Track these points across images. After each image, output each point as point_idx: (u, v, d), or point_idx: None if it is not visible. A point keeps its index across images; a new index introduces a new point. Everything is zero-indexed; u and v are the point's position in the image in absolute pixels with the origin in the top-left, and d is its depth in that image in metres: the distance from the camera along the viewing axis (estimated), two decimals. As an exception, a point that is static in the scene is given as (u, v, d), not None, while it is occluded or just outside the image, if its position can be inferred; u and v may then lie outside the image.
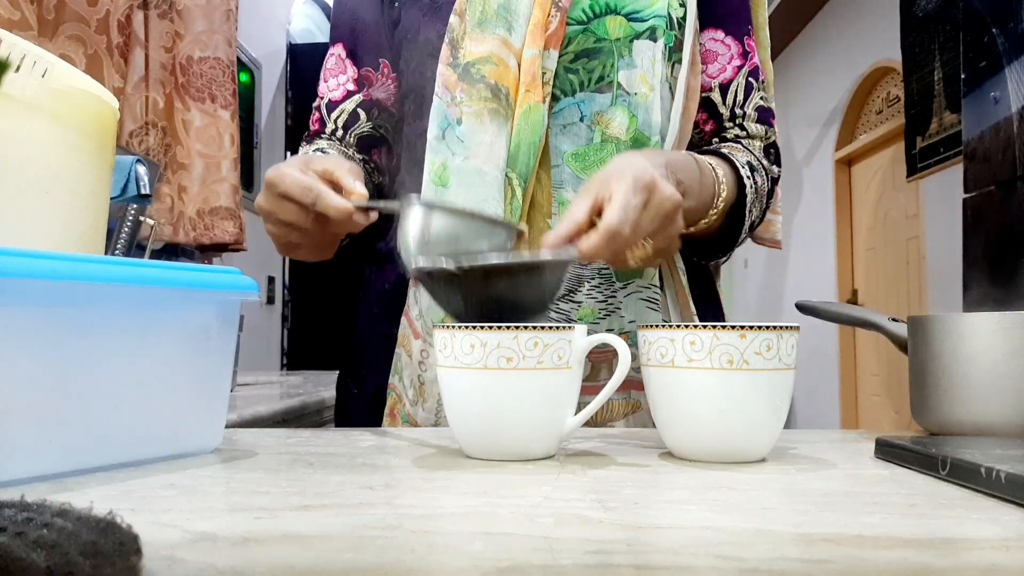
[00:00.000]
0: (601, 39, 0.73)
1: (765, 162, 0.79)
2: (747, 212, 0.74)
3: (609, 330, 0.70)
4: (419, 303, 0.72)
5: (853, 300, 4.39)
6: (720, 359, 0.46)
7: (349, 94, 0.84)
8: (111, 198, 0.61)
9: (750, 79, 0.81)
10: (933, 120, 3.23)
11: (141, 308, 0.45)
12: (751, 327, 0.46)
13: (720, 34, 0.80)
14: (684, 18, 0.75)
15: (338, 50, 0.85)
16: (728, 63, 0.80)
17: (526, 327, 0.46)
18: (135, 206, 0.96)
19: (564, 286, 0.71)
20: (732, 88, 0.80)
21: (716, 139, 0.81)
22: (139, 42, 1.76)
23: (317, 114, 0.86)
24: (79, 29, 1.55)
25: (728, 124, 0.81)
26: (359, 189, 0.62)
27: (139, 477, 0.42)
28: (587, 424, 0.70)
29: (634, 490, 0.39)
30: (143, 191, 0.95)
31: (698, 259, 0.80)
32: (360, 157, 0.83)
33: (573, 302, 0.72)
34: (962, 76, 2.07)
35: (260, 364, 2.62)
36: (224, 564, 0.27)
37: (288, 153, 2.99)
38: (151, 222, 1.00)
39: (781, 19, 4.66)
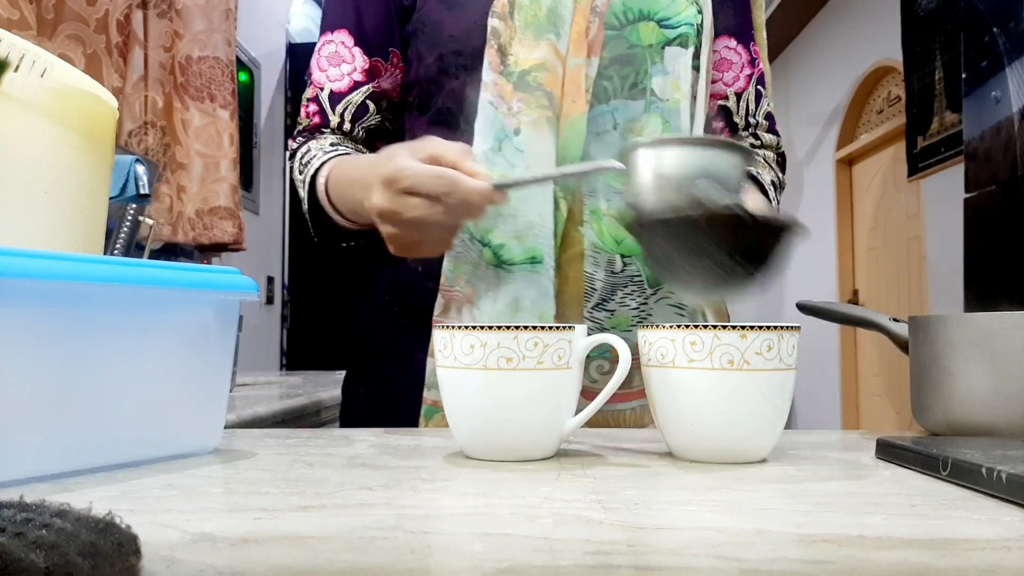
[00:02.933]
0: (634, 45, 0.73)
1: (780, 175, 0.82)
2: None
3: None
4: (472, 313, 0.70)
5: (854, 300, 4.39)
6: (721, 359, 0.46)
7: (356, 85, 0.79)
8: (110, 198, 0.61)
9: (759, 87, 0.82)
10: (934, 120, 3.23)
11: (140, 308, 0.45)
12: (752, 327, 0.45)
13: (732, 42, 0.81)
14: (702, 25, 0.76)
15: (341, 37, 0.80)
16: (740, 71, 0.81)
17: (526, 327, 0.46)
18: (134, 206, 0.96)
19: (598, 295, 0.71)
20: (745, 97, 0.82)
21: None
22: (138, 42, 1.76)
23: (315, 106, 0.80)
24: (78, 29, 1.55)
25: (743, 133, 0.82)
26: (481, 169, 0.59)
27: (138, 477, 0.42)
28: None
29: (634, 490, 0.39)
30: (142, 191, 0.95)
31: None
32: (365, 151, 0.81)
33: (606, 310, 0.71)
34: (963, 76, 2.07)
35: (259, 364, 2.62)
36: (223, 565, 0.27)
37: (287, 153, 2.99)
38: (150, 222, 1.00)
39: (781, 19, 4.66)
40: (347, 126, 0.80)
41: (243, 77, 2.53)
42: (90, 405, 0.42)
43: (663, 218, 0.52)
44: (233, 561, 0.27)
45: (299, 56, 3.00)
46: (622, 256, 0.71)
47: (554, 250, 0.69)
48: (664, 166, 0.55)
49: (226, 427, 0.54)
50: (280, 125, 2.94)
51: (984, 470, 0.38)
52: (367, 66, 0.80)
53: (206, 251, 2.03)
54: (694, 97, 0.75)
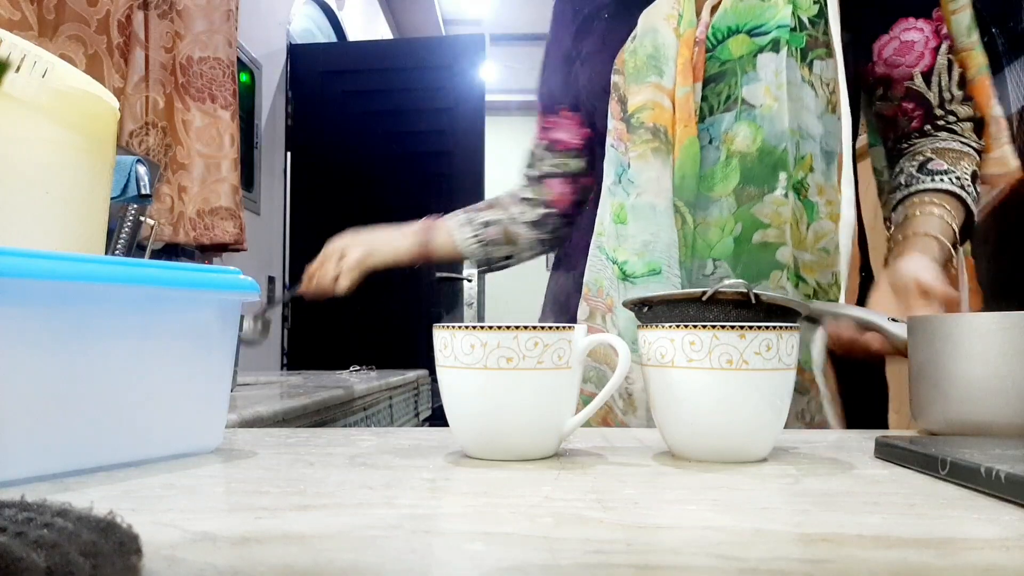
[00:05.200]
0: (725, 61, 0.77)
1: (979, 146, 0.82)
2: (974, 220, 0.79)
3: None
4: (611, 320, 0.81)
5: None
6: (720, 359, 0.46)
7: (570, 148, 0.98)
8: (111, 198, 0.61)
9: (949, 56, 0.81)
10: (933, 120, 3.22)
11: (141, 308, 0.45)
12: (750, 327, 0.46)
13: (911, 21, 0.80)
14: (819, 15, 0.76)
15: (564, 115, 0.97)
16: (925, 47, 0.80)
17: (526, 327, 0.46)
18: (135, 206, 0.96)
19: None
20: (936, 72, 0.80)
21: (927, 125, 0.82)
22: (139, 42, 1.76)
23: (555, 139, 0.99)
24: (79, 29, 1.55)
25: (939, 112, 0.82)
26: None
27: (139, 477, 0.42)
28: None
29: (634, 490, 0.39)
30: (143, 191, 0.95)
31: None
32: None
33: None
34: (962, 76, 2.07)
35: (260, 364, 2.62)
36: (224, 564, 0.27)
37: (288, 153, 2.99)
38: (151, 222, 1.00)
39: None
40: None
41: (244, 78, 2.53)
42: (91, 405, 0.42)
43: (669, 299, 0.55)
44: (234, 560, 0.27)
45: (300, 57, 3.01)
46: (713, 260, 0.77)
47: (678, 261, 0.77)
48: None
49: (227, 426, 0.54)
50: (281, 125, 2.94)
51: (983, 469, 0.38)
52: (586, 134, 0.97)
53: (207, 251, 2.03)
54: (827, 82, 0.76)
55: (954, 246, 0.75)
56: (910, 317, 0.61)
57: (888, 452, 0.48)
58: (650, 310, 0.57)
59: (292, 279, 2.96)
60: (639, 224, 0.79)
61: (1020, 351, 0.53)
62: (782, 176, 0.75)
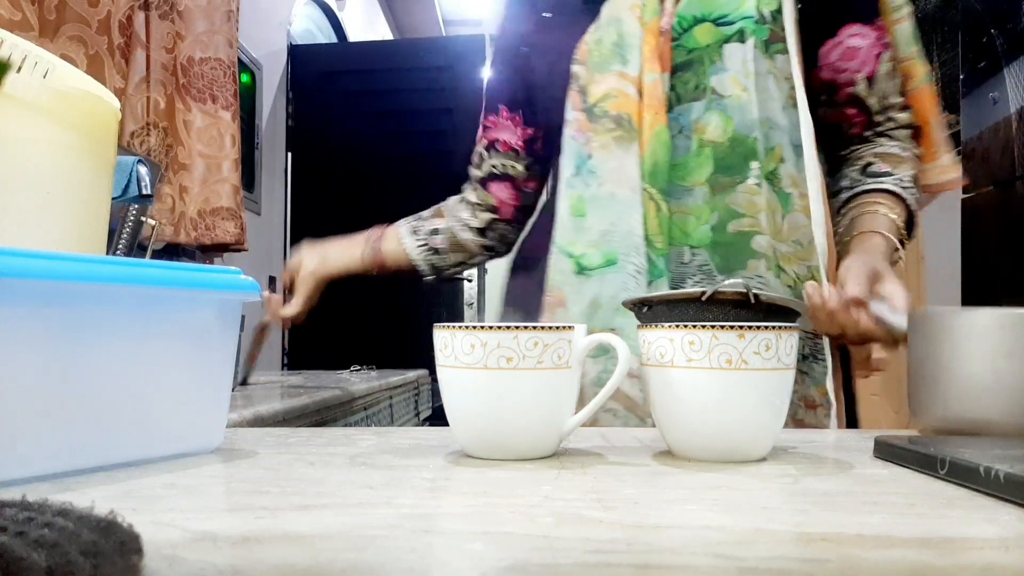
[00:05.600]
0: (692, 50, 0.77)
1: (915, 152, 0.83)
2: (915, 222, 0.81)
3: None
4: (563, 314, 0.79)
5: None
6: (719, 359, 0.46)
7: (516, 147, 0.95)
8: (112, 198, 0.61)
9: (891, 63, 0.82)
10: (933, 120, 3.22)
11: (142, 308, 0.45)
12: (750, 327, 0.46)
13: (856, 27, 0.81)
14: (778, 11, 0.77)
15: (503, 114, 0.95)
16: (868, 53, 0.81)
17: (526, 327, 0.46)
18: (136, 206, 0.96)
19: (669, 285, 0.78)
20: (878, 79, 0.82)
21: (868, 131, 0.83)
22: (140, 43, 1.76)
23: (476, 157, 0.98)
24: (80, 30, 1.55)
25: (878, 118, 0.83)
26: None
27: (140, 477, 0.42)
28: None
29: (634, 490, 0.39)
30: (144, 191, 0.95)
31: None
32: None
33: None
34: (961, 76, 2.07)
35: (261, 364, 2.61)
36: (225, 563, 0.27)
37: (289, 154, 2.99)
38: (152, 222, 1.00)
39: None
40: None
41: (245, 78, 2.53)
42: (92, 405, 0.43)
43: (668, 298, 0.55)
44: (234, 560, 0.27)
45: (300, 57, 3.01)
46: (691, 248, 0.77)
47: (641, 248, 0.76)
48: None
49: (228, 426, 0.54)
50: (282, 126, 2.94)
51: (982, 469, 0.38)
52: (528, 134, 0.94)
53: (208, 251, 2.03)
54: (787, 78, 0.77)
55: (901, 243, 0.77)
56: (910, 312, 0.61)
57: (888, 452, 0.48)
58: (650, 310, 0.58)
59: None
60: (597, 214, 0.78)
61: (1018, 349, 0.53)
62: (754, 165, 0.76)
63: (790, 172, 0.77)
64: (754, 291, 0.54)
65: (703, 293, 0.54)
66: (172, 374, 0.47)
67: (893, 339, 0.65)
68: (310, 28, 3.33)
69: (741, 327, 0.46)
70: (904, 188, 0.79)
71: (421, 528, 0.32)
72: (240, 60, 2.27)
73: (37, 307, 0.39)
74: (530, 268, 0.89)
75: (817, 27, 0.80)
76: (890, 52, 0.82)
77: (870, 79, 0.81)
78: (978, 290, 2.00)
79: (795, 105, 0.77)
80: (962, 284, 2.06)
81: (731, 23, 0.76)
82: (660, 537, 0.31)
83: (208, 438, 0.51)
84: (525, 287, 0.89)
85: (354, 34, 3.68)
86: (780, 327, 0.46)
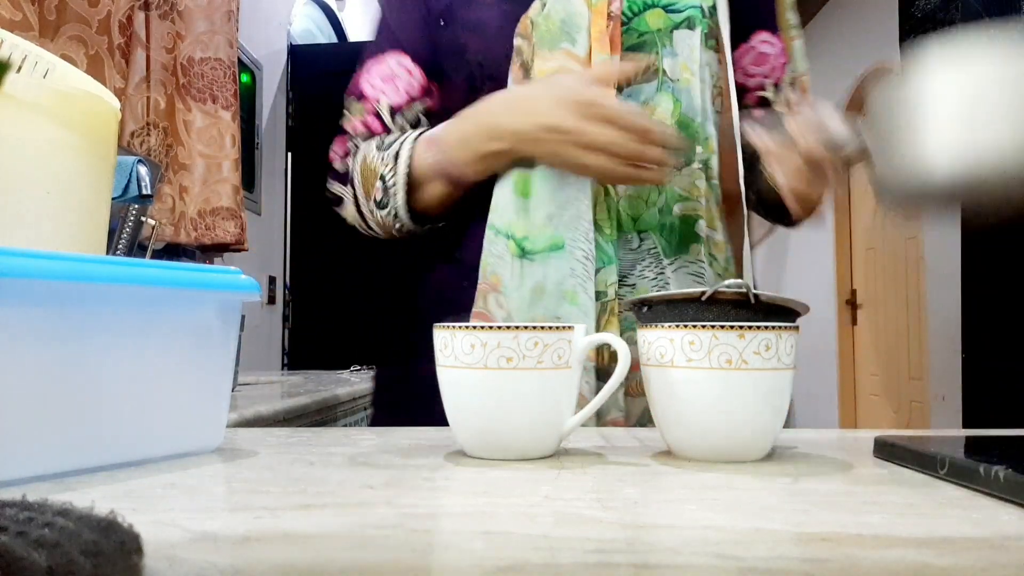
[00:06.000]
0: (643, 33, 0.77)
1: None
2: None
3: None
4: (498, 300, 0.74)
5: (852, 300, 4.39)
6: (719, 359, 0.46)
7: (412, 100, 0.84)
8: (112, 198, 0.61)
9: (792, 73, 0.85)
10: (933, 120, 3.22)
11: (142, 308, 0.45)
12: (750, 327, 0.46)
13: (766, 34, 0.84)
14: (714, 7, 0.79)
15: (395, 57, 0.84)
16: (776, 61, 0.85)
17: (526, 327, 0.46)
18: (136, 206, 0.96)
19: (618, 272, 0.76)
20: (784, 86, 0.85)
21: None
22: (140, 43, 1.76)
23: (375, 120, 0.84)
24: (80, 30, 1.55)
25: None
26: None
27: (140, 476, 0.42)
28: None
29: (634, 490, 0.39)
30: (144, 191, 0.95)
31: (774, 221, 0.86)
32: None
33: (627, 285, 0.76)
34: (962, 76, 2.07)
35: (261, 364, 2.62)
36: (225, 563, 0.27)
37: (289, 154, 2.99)
38: (152, 222, 1.00)
39: (781, 19, 4.65)
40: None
41: (245, 78, 2.53)
42: (92, 404, 0.43)
43: (668, 298, 0.55)
44: (235, 560, 0.27)
45: (301, 57, 3.01)
46: (639, 232, 0.76)
47: (589, 233, 0.74)
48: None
49: (228, 426, 0.54)
50: (282, 126, 2.94)
51: (982, 469, 0.38)
52: (424, 83, 0.84)
53: (208, 251, 2.03)
54: (713, 75, 0.79)
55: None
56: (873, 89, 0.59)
57: (887, 451, 0.48)
58: (650, 310, 0.58)
59: (293, 279, 2.97)
60: (544, 196, 0.75)
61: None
62: (698, 149, 0.76)
63: (717, 164, 0.78)
64: (754, 292, 0.54)
65: (703, 293, 0.54)
66: (172, 374, 0.47)
67: (846, 160, 0.64)
68: (310, 28, 3.33)
69: (741, 327, 0.46)
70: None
71: (422, 527, 0.32)
72: (240, 60, 2.27)
73: (37, 307, 0.39)
74: (453, 258, 0.82)
75: (735, 30, 0.81)
76: (792, 65, 0.85)
77: (777, 86, 0.84)
78: (978, 290, 2.00)
79: (722, 101, 0.79)
80: (962, 284, 2.06)
81: (680, 11, 0.77)
82: (660, 537, 0.31)
83: (208, 438, 0.51)
84: (451, 279, 0.82)
85: (354, 34, 3.68)
86: (780, 327, 0.46)
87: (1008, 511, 0.34)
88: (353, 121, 0.85)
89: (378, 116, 0.84)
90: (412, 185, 0.79)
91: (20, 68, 0.50)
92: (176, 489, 0.39)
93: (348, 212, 0.86)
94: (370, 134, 0.84)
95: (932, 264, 3.37)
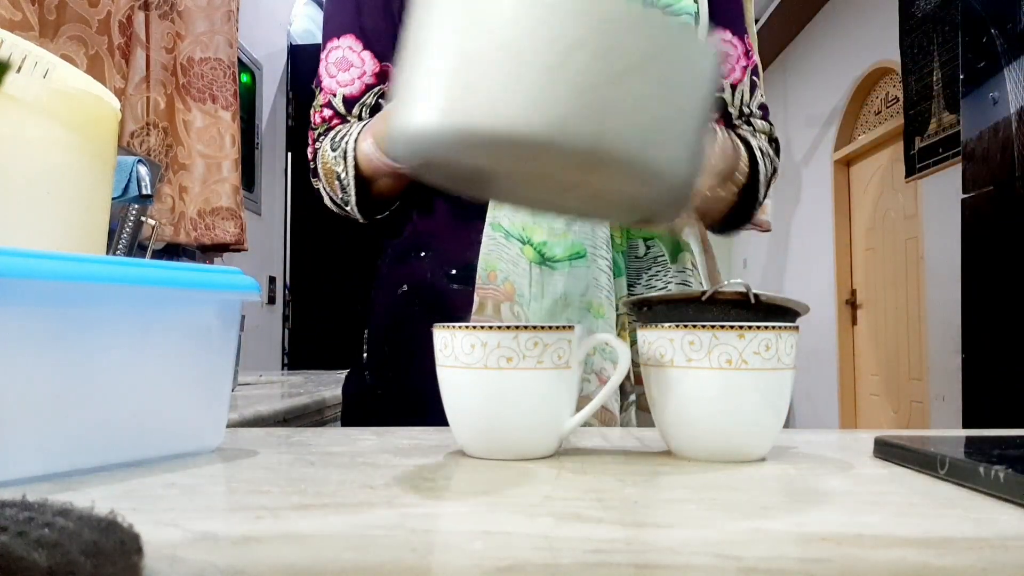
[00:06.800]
0: None
1: (771, 151, 0.84)
2: (760, 187, 0.78)
3: None
4: (514, 310, 0.71)
5: (852, 300, 4.39)
6: (719, 359, 0.46)
7: (368, 88, 0.80)
8: (112, 198, 0.61)
9: (754, 77, 0.85)
10: (932, 120, 3.23)
11: (142, 308, 0.45)
12: (749, 327, 0.46)
13: (728, 34, 0.84)
14: (698, 13, 0.80)
15: (347, 42, 0.80)
16: (736, 63, 0.84)
17: (526, 327, 0.46)
18: (136, 206, 0.96)
19: (626, 281, 0.75)
20: (740, 88, 0.84)
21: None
22: (140, 43, 1.76)
23: (329, 111, 0.81)
24: (80, 30, 1.55)
25: (737, 122, 0.85)
26: None
27: (140, 476, 0.42)
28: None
29: (634, 489, 0.39)
30: (144, 191, 0.95)
31: (718, 232, 0.85)
32: None
33: (634, 295, 0.76)
34: (961, 76, 2.07)
35: (261, 364, 2.62)
36: (225, 563, 0.27)
37: (289, 154, 2.99)
38: (152, 222, 1.00)
39: (781, 19, 4.66)
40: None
41: (245, 78, 2.53)
42: (92, 404, 0.43)
43: (668, 299, 0.55)
44: (235, 560, 0.27)
45: (301, 57, 3.01)
46: (644, 240, 0.76)
47: (608, 241, 0.72)
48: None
49: (228, 426, 0.54)
50: (282, 126, 2.94)
51: (982, 469, 0.38)
52: (377, 69, 0.80)
53: (208, 251, 2.03)
54: None
55: (748, 180, 0.76)
56: None
57: (887, 451, 0.48)
58: (650, 310, 0.58)
59: (293, 279, 2.97)
60: None
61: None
62: None
63: None
64: (754, 292, 0.54)
65: (703, 293, 0.54)
66: (172, 374, 0.47)
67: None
68: (310, 28, 3.33)
69: (741, 327, 0.46)
70: (753, 143, 0.80)
71: (422, 527, 0.32)
72: (240, 60, 2.27)
73: (37, 307, 0.39)
74: (428, 253, 0.77)
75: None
76: (753, 69, 0.85)
77: (734, 87, 0.84)
78: (978, 290, 2.00)
79: None
80: (962, 284, 2.06)
81: (676, 14, 0.78)
82: (660, 537, 0.31)
83: (208, 438, 0.51)
84: (428, 276, 0.77)
85: (354, 34, 3.67)
86: (780, 327, 0.46)
87: (1008, 511, 0.34)
88: (314, 115, 0.83)
89: (335, 109, 0.81)
90: (365, 181, 0.75)
91: (20, 68, 0.50)
92: (176, 489, 0.39)
93: (329, 205, 0.83)
94: (329, 127, 0.81)
95: (932, 264, 3.37)
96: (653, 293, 0.75)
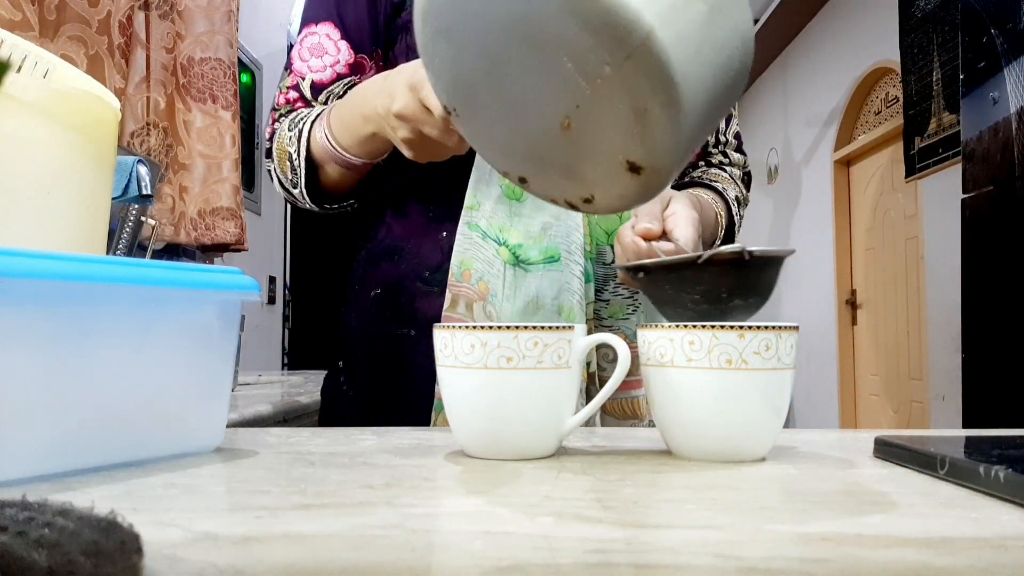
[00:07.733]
0: None
1: (745, 192, 0.86)
2: (732, 236, 0.82)
3: (637, 324, 0.73)
4: (487, 310, 0.71)
5: (852, 300, 4.39)
6: (719, 359, 0.46)
7: (339, 77, 0.79)
8: (112, 198, 0.61)
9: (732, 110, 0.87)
10: (932, 120, 3.23)
11: (142, 308, 0.45)
12: (749, 327, 0.46)
13: None
14: None
15: (325, 29, 0.80)
16: None
17: (526, 327, 0.46)
18: (136, 206, 0.96)
19: (593, 286, 0.74)
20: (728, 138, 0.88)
21: (702, 162, 0.87)
22: (140, 43, 1.76)
23: (295, 93, 0.80)
24: (80, 30, 1.55)
25: (713, 150, 0.87)
26: None
27: (140, 476, 0.42)
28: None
29: (634, 489, 0.39)
30: (144, 191, 0.95)
31: None
32: None
33: (601, 300, 0.74)
34: (961, 76, 2.07)
35: (261, 364, 2.62)
36: (225, 563, 0.27)
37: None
38: (152, 222, 1.00)
39: (779, 20, 4.66)
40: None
41: (245, 78, 2.53)
42: (92, 404, 0.43)
43: (665, 264, 0.55)
44: (235, 560, 0.27)
45: (299, 57, 3.01)
46: (612, 247, 0.75)
47: (582, 247, 0.72)
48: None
49: (228, 426, 0.54)
50: (280, 126, 2.94)
51: (982, 469, 0.38)
52: (351, 60, 0.80)
53: (208, 251, 2.03)
54: None
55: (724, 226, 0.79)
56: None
57: (887, 451, 0.48)
58: (647, 275, 0.57)
59: (293, 279, 2.97)
60: (538, 203, 0.70)
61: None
62: None
63: None
64: (748, 249, 0.53)
65: (699, 256, 0.54)
66: (172, 374, 0.47)
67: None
68: (310, 28, 3.33)
69: (741, 327, 0.46)
70: (730, 199, 0.82)
71: (422, 527, 0.32)
72: (240, 60, 2.28)
73: (37, 307, 0.39)
74: (402, 253, 0.77)
75: None
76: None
77: None
78: (978, 290, 2.00)
79: None
80: (962, 284, 2.06)
81: None
82: (660, 537, 0.31)
83: (208, 438, 0.51)
84: (398, 275, 0.77)
85: (354, 34, 3.67)
86: (780, 327, 0.46)
87: (1008, 511, 0.34)
88: (279, 95, 0.82)
89: (301, 93, 0.80)
90: (315, 166, 0.75)
91: (20, 68, 0.50)
92: (176, 489, 0.39)
93: (277, 190, 0.83)
94: (292, 108, 0.81)
95: (932, 264, 3.37)
96: (623, 303, 0.75)
